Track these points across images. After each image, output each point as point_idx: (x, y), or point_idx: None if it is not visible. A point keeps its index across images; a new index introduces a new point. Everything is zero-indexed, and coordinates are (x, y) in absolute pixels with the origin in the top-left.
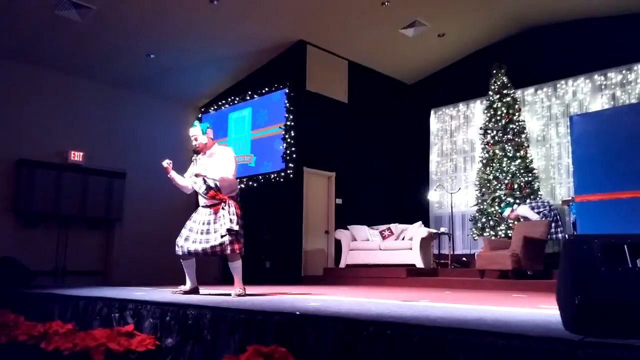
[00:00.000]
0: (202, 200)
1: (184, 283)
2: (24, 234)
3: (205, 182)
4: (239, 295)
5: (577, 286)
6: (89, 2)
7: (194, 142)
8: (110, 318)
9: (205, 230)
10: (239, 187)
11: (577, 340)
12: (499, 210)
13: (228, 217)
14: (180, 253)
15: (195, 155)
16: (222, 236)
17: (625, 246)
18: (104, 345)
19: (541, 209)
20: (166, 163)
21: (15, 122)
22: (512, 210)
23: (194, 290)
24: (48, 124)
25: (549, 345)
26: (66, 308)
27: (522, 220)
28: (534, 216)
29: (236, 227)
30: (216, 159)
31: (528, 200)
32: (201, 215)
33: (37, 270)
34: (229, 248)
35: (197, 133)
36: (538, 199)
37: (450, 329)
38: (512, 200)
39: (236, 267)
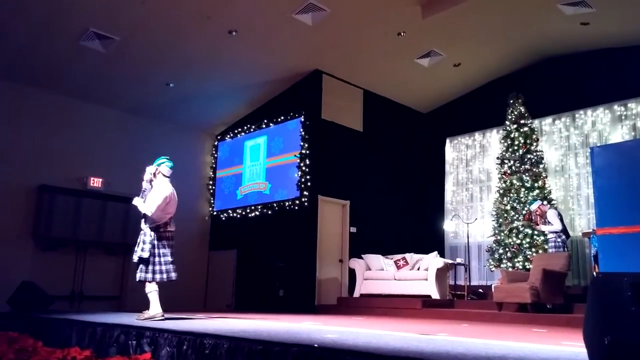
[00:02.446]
0: None
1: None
2: (43, 259)
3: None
4: (145, 318)
5: (607, 326)
6: (112, 33)
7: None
8: (128, 345)
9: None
10: (168, 217)
11: None
12: (527, 205)
13: (141, 246)
14: None
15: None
16: (135, 264)
17: None
18: None
19: (563, 226)
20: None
21: (38, 148)
22: (543, 205)
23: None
24: (69, 151)
25: None
26: (84, 334)
27: (540, 221)
28: (556, 223)
29: (145, 255)
30: (150, 194)
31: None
32: None
33: (54, 294)
34: (137, 275)
35: (149, 168)
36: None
37: None
38: (529, 232)
39: (148, 292)
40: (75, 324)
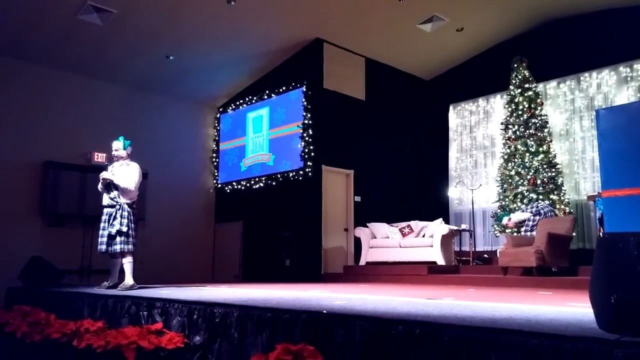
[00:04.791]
0: (104, 200)
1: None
2: (51, 234)
3: (109, 184)
4: (127, 288)
5: (613, 285)
6: (109, 6)
7: (114, 152)
8: (139, 316)
9: (106, 233)
10: (136, 195)
11: (614, 339)
12: (499, 218)
13: (119, 220)
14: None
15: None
16: (112, 236)
17: None
18: (135, 343)
19: (528, 209)
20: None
21: (41, 124)
22: (510, 219)
23: (114, 286)
24: (72, 126)
25: (584, 345)
26: (95, 306)
27: (521, 225)
28: (524, 215)
29: (125, 229)
30: (127, 170)
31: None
32: (103, 216)
33: (64, 269)
34: (118, 248)
35: (119, 147)
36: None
37: (480, 328)
38: (534, 196)
39: (126, 263)
40: (87, 296)
